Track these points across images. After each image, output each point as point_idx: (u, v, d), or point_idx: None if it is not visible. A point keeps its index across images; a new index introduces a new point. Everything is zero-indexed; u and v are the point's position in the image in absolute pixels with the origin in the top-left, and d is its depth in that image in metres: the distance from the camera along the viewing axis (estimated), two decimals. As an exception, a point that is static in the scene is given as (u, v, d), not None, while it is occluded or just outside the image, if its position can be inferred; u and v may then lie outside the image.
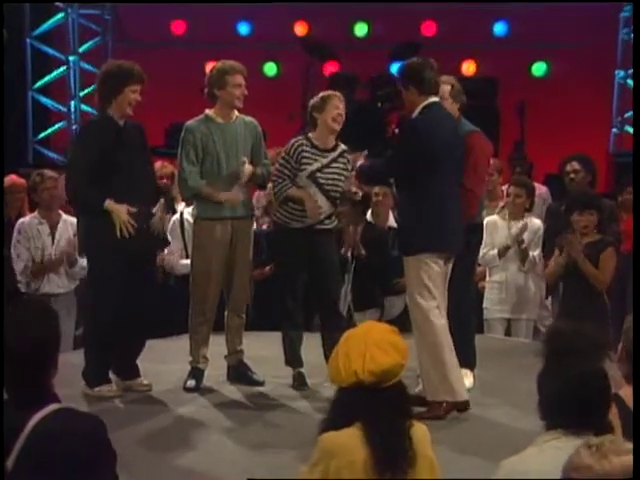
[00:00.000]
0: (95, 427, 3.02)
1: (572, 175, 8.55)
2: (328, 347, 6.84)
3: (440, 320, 6.13)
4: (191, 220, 7.85)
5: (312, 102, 6.92)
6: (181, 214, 8.30)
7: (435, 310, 6.13)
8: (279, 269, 7.13)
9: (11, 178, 8.62)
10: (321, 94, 6.91)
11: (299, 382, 6.82)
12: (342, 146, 6.93)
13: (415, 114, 6.24)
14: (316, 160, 6.79)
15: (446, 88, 6.66)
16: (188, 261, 7.48)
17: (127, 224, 6.42)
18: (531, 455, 3.07)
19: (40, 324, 3.09)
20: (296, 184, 6.79)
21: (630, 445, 2.55)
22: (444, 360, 6.10)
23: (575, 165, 8.58)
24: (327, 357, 6.89)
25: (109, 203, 6.42)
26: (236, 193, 6.77)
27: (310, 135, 6.89)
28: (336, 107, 6.79)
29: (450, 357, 6.13)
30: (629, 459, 2.47)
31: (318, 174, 6.79)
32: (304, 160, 6.78)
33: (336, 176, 6.85)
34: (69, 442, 2.93)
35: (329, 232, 6.92)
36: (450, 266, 6.33)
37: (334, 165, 6.85)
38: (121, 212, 6.42)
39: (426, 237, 6.18)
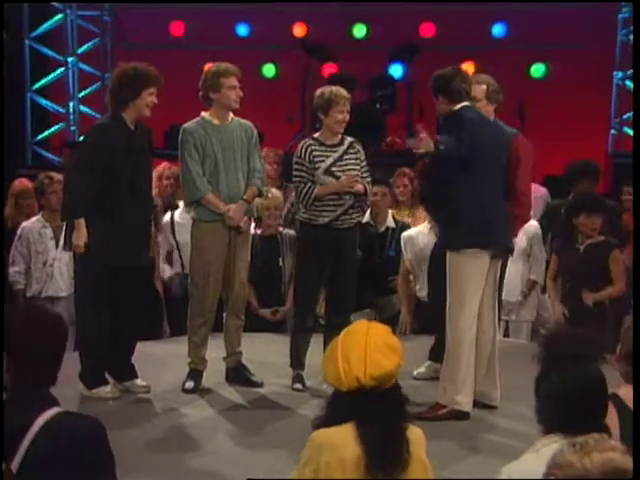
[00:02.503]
0: (96, 430, 3.03)
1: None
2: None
3: (470, 331, 6.14)
4: (181, 222, 7.96)
5: (316, 100, 6.87)
6: (172, 216, 8.34)
7: (470, 319, 6.13)
8: (302, 268, 7.02)
9: (22, 182, 8.60)
10: (327, 93, 6.82)
11: (298, 383, 6.82)
12: (349, 138, 6.93)
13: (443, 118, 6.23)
14: (328, 156, 6.81)
15: (481, 88, 6.64)
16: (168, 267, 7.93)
17: (78, 248, 6.50)
18: (529, 460, 3.07)
19: (53, 324, 3.09)
20: (315, 183, 6.80)
21: (613, 442, 2.55)
22: (460, 368, 6.12)
23: (592, 188, 8.48)
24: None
25: (79, 223, 6.48)
26: (239, 209, 6.77)
27: (315, 135, 6.92)
28: (340, 112, 6.78)
29: (467, 367, 6.14)
30: (610, 456, 2.46)
31: (333, 168, 6.80)
32: (316, 159, 6.80)
33: (351, 167, 6.84)
34: (73, 445, 2.94)
35: (354, 229, 6.91)
36: (499, 265, 6.37)
37: (346, 157, 6.85)
38: (80, 236, 6.48)
39: (472, 231, 6.14)
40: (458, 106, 6.21)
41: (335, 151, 6.85)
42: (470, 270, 6.12)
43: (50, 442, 2.93)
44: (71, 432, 2.96)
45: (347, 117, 6.84)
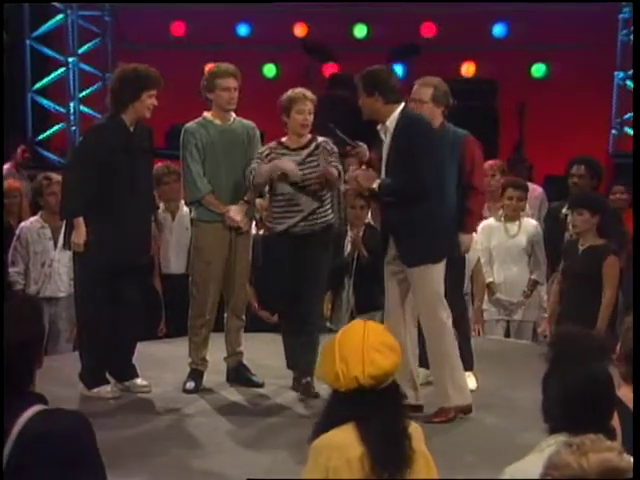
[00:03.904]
0: (78, 426, 2.99)
1: (576, 179, 8.50)
2: (290, 350, 6.74)
3: (448, 327, 6.15)
4: (162, 221, 8.15)
5: (280, 103, 6.71)
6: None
7: (445, 317, 6.13)
8: (270, 275, 6.97)
9: (8, 182, 8.62)
10: (287, 95, 6.70)
11: (299, 384, 6.81)
12: (319, 139, 6.72)
13: (396, 118, 6.13)
14: (289, 160, 6.60)
15: (427, 91, 6.59)
16: None
17: (77, 247, 6.52)
18: (533, 460, 3.06)
19: (23, 322, 3.03)
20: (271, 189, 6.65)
21: (610, 443, 2.55)
22: (456, 365, 6.14)
23: (582, 169, 8.51)
24: (289, 361, 6.74)
25: (78, 222, 6.50)
26: (239, 209, 6.76)
27: (282, 139, 6.73)
28: (299, 112, 6.63)
29: (459, 362, 6.18)
30: (607, 456, 2.46)
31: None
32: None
33: (314, 169, 6.61)
34: (52, 444, 2.91)
35: (318, 235, 6.66)
36: None
37: (310, 159, 6.64)
38: (80, 235, 6.50)
39: (444, 242, 6.21)
40: (399, 107, 6.15)
41: (299, 154, 6.63)
42: (440, 274, 6.15)
43: (29, 443, 2.90)
44: (50, 431, 2.93)
45: (309, 118, 6.65)
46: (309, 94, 6.73)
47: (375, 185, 6.13)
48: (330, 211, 6.73)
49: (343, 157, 7.52)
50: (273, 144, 6.76)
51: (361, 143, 6.45)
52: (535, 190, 9.56)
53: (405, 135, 6.10)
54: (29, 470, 2.89)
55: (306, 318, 6.63)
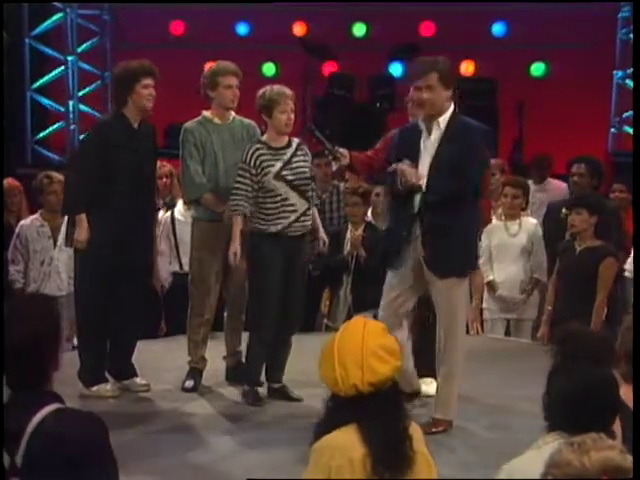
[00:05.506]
0: (92, 429, 2.99)
1: (576, 178, 8.51)
2: (276, 357, 6.62)
3: (465, 345, 6.10)
4: (182, 219, 7.90)
5: (258, 101, 6.53)
6: (172, 213, 8.32)
7: (465, 333, 6.15)
8: (255, 278, 6.63)
9: (8, 181, 8.62)
10: (267, 93, 6.52)
11: (252, 399, 6.54)
12: (295, 140, 6.65)
13: (448, 117, 5.91)
14: (277, 160, 6.50)
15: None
16: (171, 268, 8.11)
17: (79, 244, 6.51)
18: (531, 457, 3.06)
19: (39, 320, 3.04)
20: (264, 189, 6.46)
21: (611, 441, 2.54)
22: (457, 383, 6.05)
23: (581, 168, 8.52)
24: (273, 365, 6.61)
25: (80, 218, 6.48)
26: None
27: (263, 138, 6.61)
28: (282, 112, 6.48)
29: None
30: (608, 454, 2.46)
31: (284, 172, 6.50)
32: (264, 164, 6.46)
33: (301, 169, 6.55)
34: (65, 445, 2.91)
35: (305, 236, 6.64)
36: None
37: (295, 159, 6.55)
38: (83, 231, 6.49)
39: (476, 248, 6.21)
40: (452, 106, 5.97)
41: (284, 154, 6.53)
42: (466, 289, 6.11)
43: (42, 443, 2.90)
44: (63, 432, 2.93)
45: (292, 116, 6.54)
46: (288, 91, 6.62)
47: (422, 182, 5.84)
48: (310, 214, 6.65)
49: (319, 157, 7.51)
50: (256, 145, 6.53)
51: (341, 149, 6.26)
52: (558, 187, 9.55)
53: (463, 139, 5.86)
54: (41, 470, 2.89)
55: (293, 330, 6.63)
